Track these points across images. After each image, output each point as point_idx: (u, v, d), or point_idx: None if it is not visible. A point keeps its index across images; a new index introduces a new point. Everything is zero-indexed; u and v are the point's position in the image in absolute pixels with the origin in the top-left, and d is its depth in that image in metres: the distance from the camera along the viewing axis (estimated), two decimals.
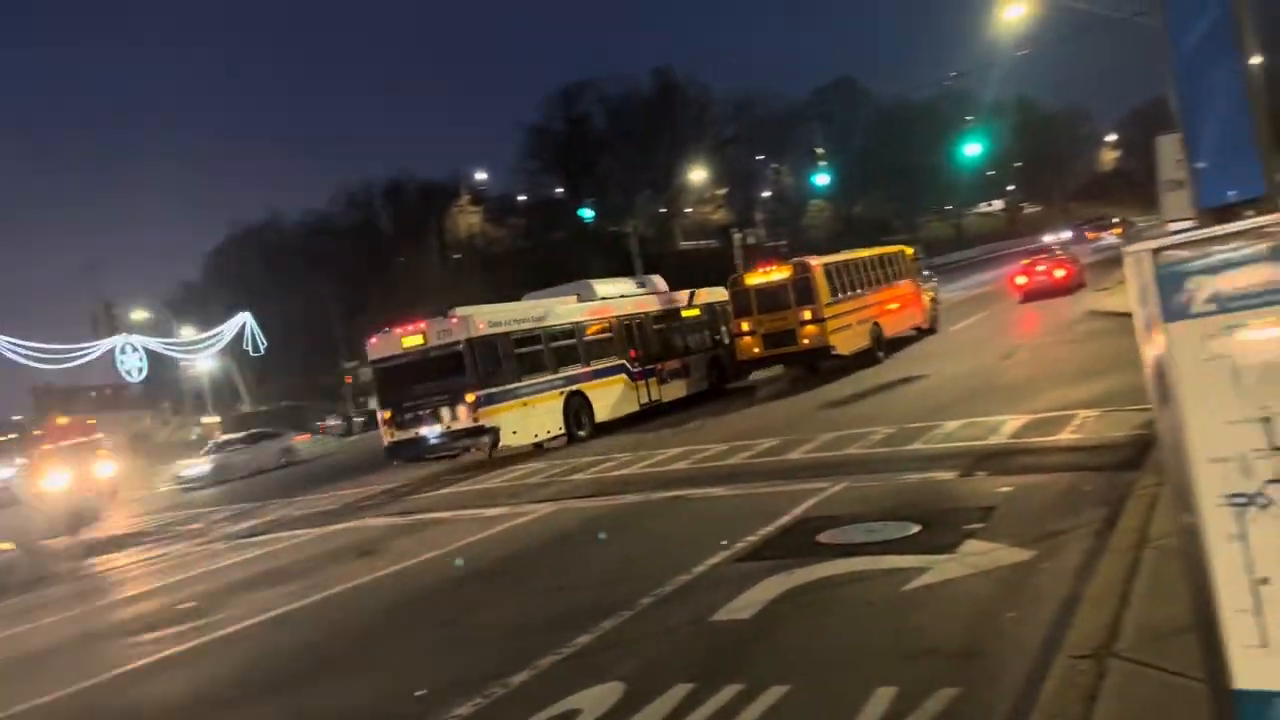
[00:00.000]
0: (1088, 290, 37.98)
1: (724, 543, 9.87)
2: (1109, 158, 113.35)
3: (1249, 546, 2.84)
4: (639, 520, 12.61)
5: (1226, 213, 2.95)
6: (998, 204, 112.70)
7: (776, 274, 25.46)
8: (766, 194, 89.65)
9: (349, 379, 54.96)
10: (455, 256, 72.63)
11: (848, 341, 25.43)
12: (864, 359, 25.88)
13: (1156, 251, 2.92)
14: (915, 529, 9.26)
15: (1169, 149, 9.15)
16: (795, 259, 26.52)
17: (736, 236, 56.53)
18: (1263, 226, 2.76)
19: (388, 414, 21.13)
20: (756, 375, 27.72)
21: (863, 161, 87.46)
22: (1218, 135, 3.07)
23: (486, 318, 21.02)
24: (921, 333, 31.25)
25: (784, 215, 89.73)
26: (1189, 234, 2.89)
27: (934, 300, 33.51)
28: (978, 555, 8.08)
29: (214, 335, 57.73)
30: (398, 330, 21.06)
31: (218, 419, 63.38)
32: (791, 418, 19.40)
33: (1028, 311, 34.29)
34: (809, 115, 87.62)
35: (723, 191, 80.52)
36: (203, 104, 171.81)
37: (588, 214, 64.57)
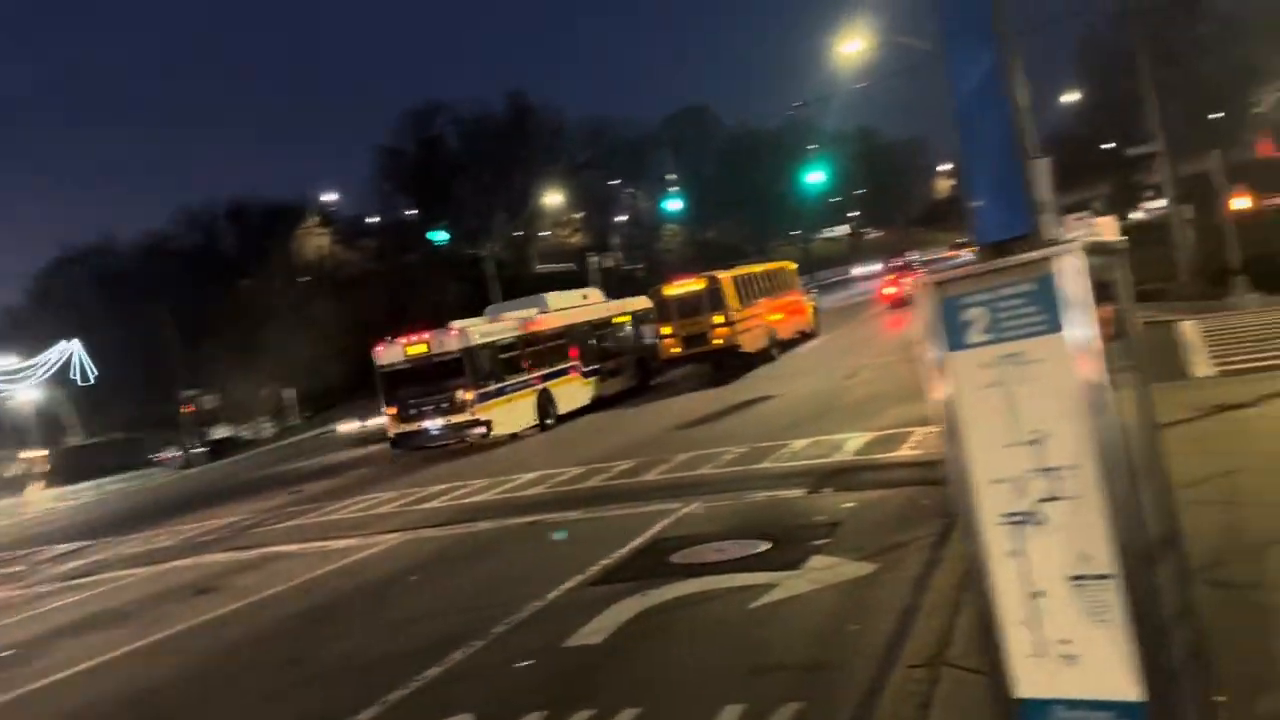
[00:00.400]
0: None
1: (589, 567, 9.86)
2: (944, 186, 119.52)
3: (1026, 562, 3.00)
4: (493, 547, 12.46)
5: (1001, 248, 3.17)
6: (842, 229, 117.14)
7: (692, 285, 29.37)
8: (622, 218, 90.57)
9: (189, 408, 52.32)
10: (303, 279, 70.27)
11: (751, 342, 29.48)
12: (763, 357, 29.80)
13: (939, 285, 3.10)
14: (764, 546, 9.48)
15: None
16: (707, 273, 30.08)
17: (593, 260, 56.84)
18: (1029, 262, 2.96)
19: (393, 410, 24.25)
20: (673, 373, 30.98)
21: (714, 187, 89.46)
22: (991, 175, 3.30)
23: (479, 330, 24.73)
24: (806, 336, 35.19)
25: (640, 239, 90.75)
26: (967, 269, 3.07)
27: (815, 309, 38.08)
28: (823, 570, 8.34)
29: (36, 364, 54.02)
30: (401, 341, 24.26)
31: (43, 452, 59.22)
32: (647, 439, 19.57)
33: (880, 327, 35.78)
34: (661, 142, 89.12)
35: (579, 215, 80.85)
36: (30, 119, 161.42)
37: (440, 237, 63.67)
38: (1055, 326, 2.91)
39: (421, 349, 23.81)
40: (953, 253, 72.65)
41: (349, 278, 69.09)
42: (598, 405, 28.01)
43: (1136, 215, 61.31)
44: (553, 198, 67.14)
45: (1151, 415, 3.21)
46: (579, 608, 8.43)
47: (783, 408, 20.28)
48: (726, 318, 28.37)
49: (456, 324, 24.54)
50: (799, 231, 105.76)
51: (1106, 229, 17.84)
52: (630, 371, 30.37)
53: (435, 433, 23.81)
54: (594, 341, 29.01)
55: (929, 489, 10.78)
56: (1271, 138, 27.57)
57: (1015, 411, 2.99)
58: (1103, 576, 2.88)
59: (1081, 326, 2.88)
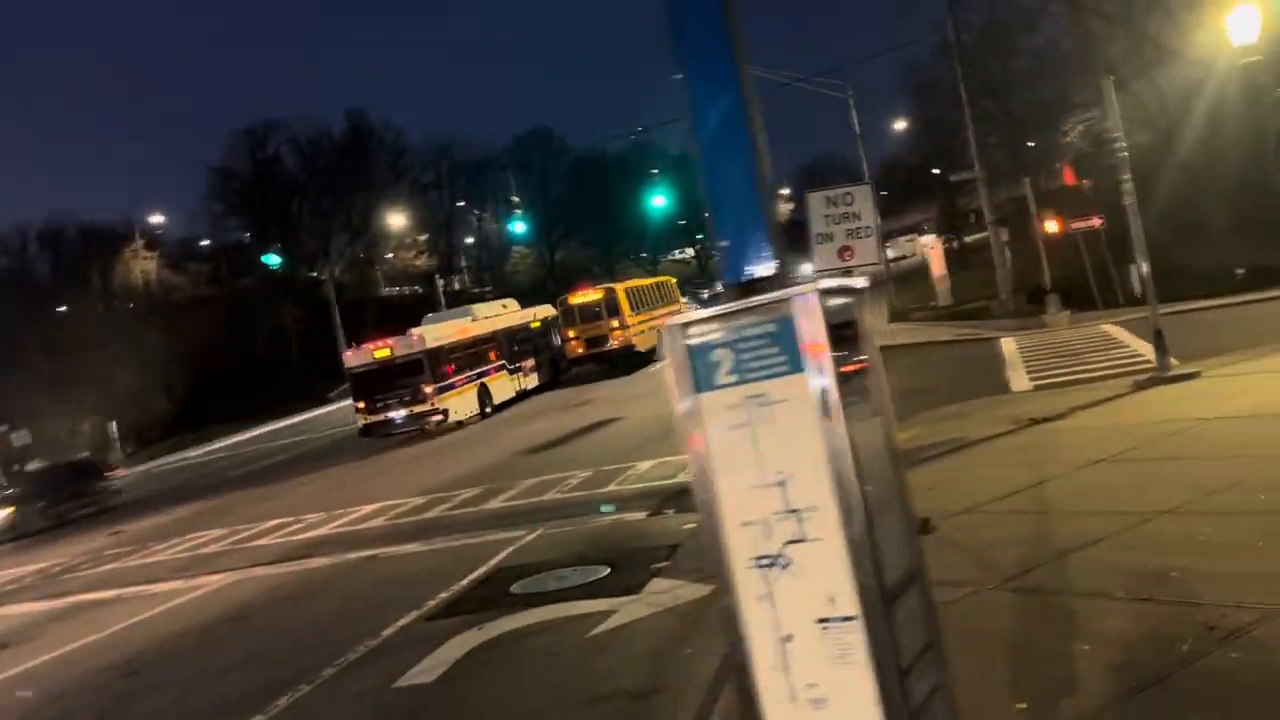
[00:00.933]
0: None
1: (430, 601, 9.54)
2: (782, 210, 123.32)
3: (775, 606, 3.00)
4: (327, 585, 11.93)
5: (748, 288, 3.18)
6: (690, 251, 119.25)
7: (593, 295, 35.34)
8: (470, 240, 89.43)
9: None
10: (128, 305, 66.26)
11: (643, 342, 34.50)
12: (651, 356, 33.96)
13: (686, 326, 3.07)
14: (604, 572, 9.41)
15: (817, 205, 10.04)
16: (605, 284, 36.56)
17: (440, 283, 55.90)
18: (769, 303, 2.97)
19: (362, 404, 28.43)
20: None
21: (562, 209, 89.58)
22: (735, 215, 3.29)
23: (432, 334, 29.29)
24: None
25: (488, 261, 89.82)
26: (713, 310, 3.06)
27: None
28: (661, 594, 8.32)
29: None
30: (369, 346, 28.87)
31: None
32: (493, 465, 19.24)
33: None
34: (507, 163, 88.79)
35: (424, 238, 79.37)
36: None
37: (274, 260, 61.28)
38: (796, 367, 2.92)
39: (386, 352, 28.28)
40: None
41: (179, 303, 65.60)
42: (520, 398, 32.72)
43: (964, 238, 64.85)
44: (396, 219, 65.70)
45: (895, 452, 3.24)
46: (413, 645, 8.13)
47: (631, 429, 20.34)
48: (621, 322, 34.15)
49: (415, 331, 29.59)
50: (646, 254, 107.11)
51: (932, 250, 18.77)
52: (545, 369, 35.16)
53: (400, 421, 28.10)
54: (514, 344, 33.61)
55: None
56: (1072, 166, 29.72)
57: (761, 453, 2.99)
58: (846, 618, 2.89)
59: (818, 367, 2.90)
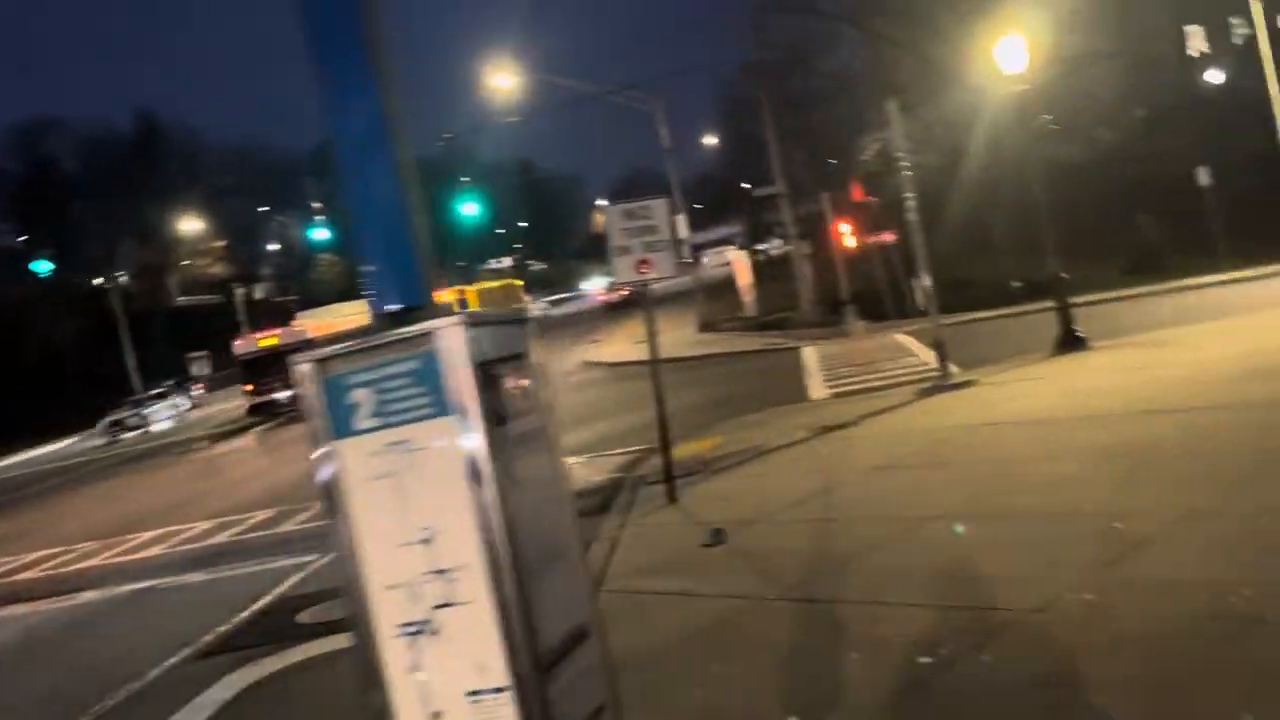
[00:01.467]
0: (581, 342, 41.14)
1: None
2: (601, 220, 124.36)
3: (424, 678, 2.75)
4: (94, 623, 10.95)
5: (396, 319, 2.88)
6: (507, 260, 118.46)
7: (450, 295, 40.74)
8: (273, 247, 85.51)
9: None
10: None
11: None
12: None
13: (321, 362, 2.77)
14: None
15: (615, 218, 10.02)
16: (457, 287, 39.83)
17: (240, 292, 53.11)
18: (410, 337, 2.70)
19: (251, 386, 33.28)
20: None
21: None
22: (384, 237, 2.99)
23: (313, 325, 33.63)
24: None
25: (292, 269, 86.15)
26: (353, 344, 2.77)
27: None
28: None
29: None
30: (256, 335, 34.35)
31: None
32: (295, 479, 18.30)
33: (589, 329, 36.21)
34: (311, 168, 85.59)
35: (221, 244, 75.26)
36: None
37: (44, 267, 56.56)
38: (441, 409, 2.65)
39: (273, 340, 33.16)
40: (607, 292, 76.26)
41: None
42: None
43: (770, 250, 67.19)
44: (190, 225, 61.97)
45: (565, 498, 3.03)
46: (180, 686, 7.52)
47: None
48: None
49: (297, 322, 35.11)
50: (462, 263, 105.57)
51: (739, 263, 19.11)
52: None
53: (284, 401, 31.83)
54: None
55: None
56: (861, 183, 31.43)
57: (406, 506, 2.71)
58: (497, 690, 2.65)
59: (464, 409, 2.63)
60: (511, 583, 2.63)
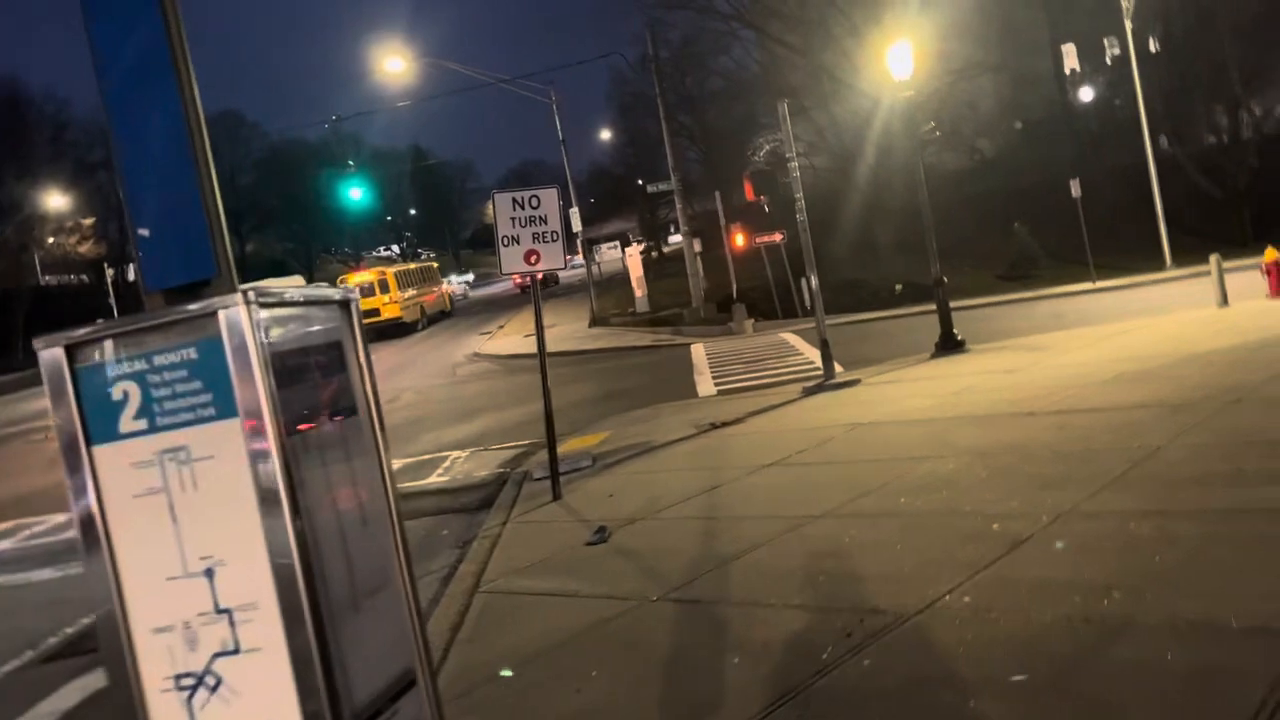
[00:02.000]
0: (473, 333, 40.53)
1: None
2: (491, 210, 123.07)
3: None
4: None
5: (176, 297, 2.36)
6: (396, 248, 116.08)
7: (370, 276, 44.68)
8: (144, 231, 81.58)
9: None
10: None
11: (410, 315, 45.03)
12: (415, 326, 45.15)
13: (74, 348, 2.21)
14: None
15: (504, 206, 9.75)
16: (378, 268, 48.13)
17: (110, 272, 50.53)
18: (193, 318, 2.17)
19: None
20: None
21: (254, 199, 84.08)
22: (161, 196, 2.43)
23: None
24: (445, 314, 51.54)
25: None
26: (114, 324, 2.22)
27: (451, 296, 56.19)
28: None
29: None
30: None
31: None
32: None
33: (422, 351, 35.47)
34: None
35: (89, 222, 71.45)
36: None
37: None
38: (227, 410, 2.15)
39: None
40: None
41: None
42: None
43: (664, 247, 67.47)
44: (56, 200, 58.64)
45: (391, 514, 2.55)
46: (20, 694, 6.97)
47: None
48: (392, 298, 43.57)
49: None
50: (350, 249, 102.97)
51: (631, 258, 18.93)
52: None
53: None
54: None
55: (451, 517, 10.59)
56: (751, 182, 31.84)
57: (182, 530, 2.19)
58: None
59: (255, 410, 2.13)
60: (313, 624, 2.14)
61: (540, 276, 10.15)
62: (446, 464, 13.84)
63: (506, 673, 5.09)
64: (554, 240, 9.68)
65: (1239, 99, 41.19)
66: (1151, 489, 6.07)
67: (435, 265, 57.41)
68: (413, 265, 54.06)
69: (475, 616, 6.37)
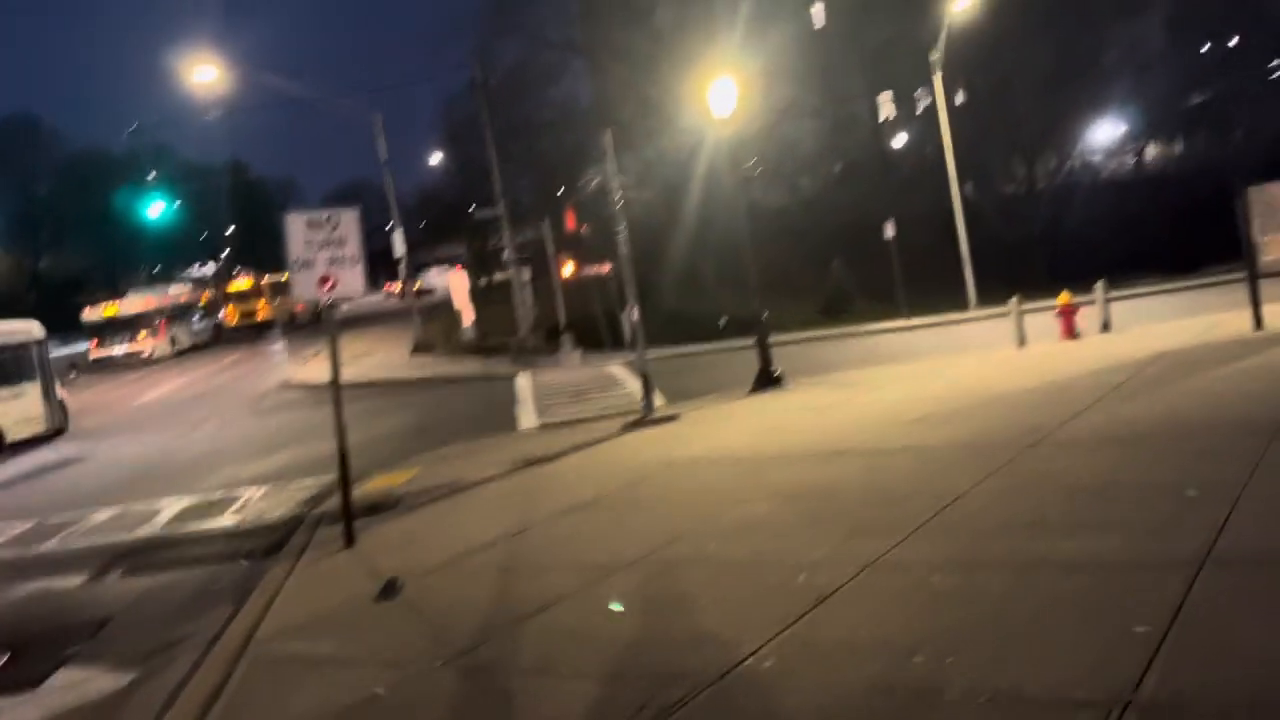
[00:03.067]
0: (290, 360, 38.49)
1: None
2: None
3: None
4: None
5: None
6: (211, 266, 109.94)
7: (246, 284, 57.64)
8: None
9: None
10: None
11: (280, 318, 55.32)
12: (286, 328, 53.63)
13: None
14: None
15: (298, 228, 9.00)
16: (256, 276, 59.56)
17: None
18: None
19: (96, 341, 43.85)
20: None
21: (52, 210, 78.01)
22: None
23: (141, 300, 45.50)
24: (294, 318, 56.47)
25: None
26: None
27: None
28: (66, 688, 6.70)
29: None
30: (102, 305, 44.80)
31: None
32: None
33: (232, 379, 33.37)
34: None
35: None
36: None
37: None
38: None
39: (114, 309, 43.79)
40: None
41: None
42: (195, 349, 47.51)
43: (494, 275, 66.39)
44: None
45: None
46: None
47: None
48: (266, 303, 55.55)
49: (132, 296, 46.42)
50: (159, 267, 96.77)
51: (458, 286, 18.14)
52: (211, 331, 51.81)
53: (119, 356, 42.79)
54: (190, 312, 49.87)
55: (232, 565, 9.65)
56: (575, 212, 31.69)
57: None
58: None
59: None
60: None
61: (327, 303, 9.42)
62: (240, 503, 12.82)
63: None
64: (353, 264, 9.00)
65: (1033, 151, 44.27)
66: (957, 538, 5.98)
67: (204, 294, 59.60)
68: (284, 276, 62.18)
69: (235, 689, 5.62)
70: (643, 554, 6.81)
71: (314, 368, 34.48)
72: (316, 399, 27.21)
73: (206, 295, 56.62)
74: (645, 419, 13.91)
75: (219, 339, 52.62)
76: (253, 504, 12.89)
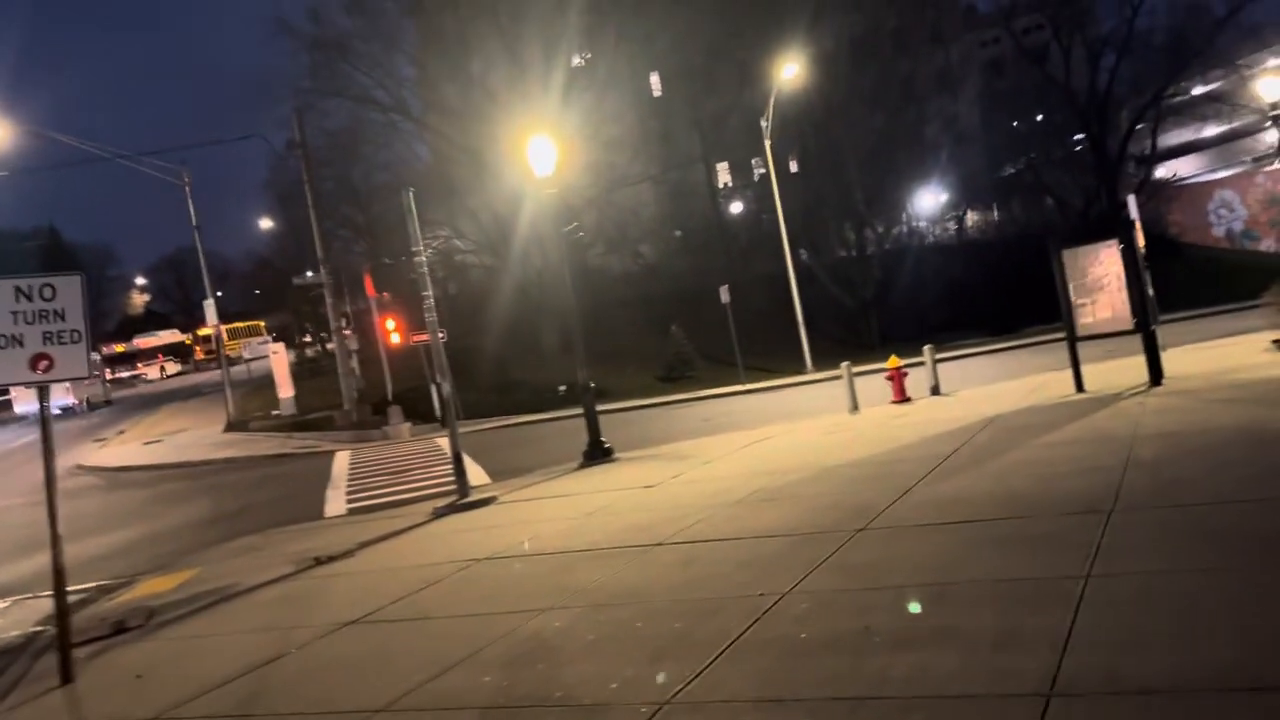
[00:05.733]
0: (88, 440, 35.32)
1: None
2: (139, 300, 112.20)
3: None
4: None
5: None
6: None
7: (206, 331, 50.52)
8: None
9: None
10: None
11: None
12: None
13: None
14: None
15: (2, 297, 7.46)
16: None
17: None
18: None
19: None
20: None
21: None
22: None
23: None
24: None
25: None
26: None
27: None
28: None
29: None
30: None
31: None
32: None
33: (18, 463, 30.12)
34: None
35: None
36: None
37: None
38: None
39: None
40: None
41: None
42: None
43: (326, 344, 63.54)
44: None
45: None
46: None
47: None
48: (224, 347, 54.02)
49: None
50: None
51: (275, 356, 16.26)
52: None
53: None
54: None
55: None
56: (372, 276, 30.28)
57: None
58: None
59: None
60: None
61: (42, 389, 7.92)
62: None
63: None
64: (74, 341, 7.52)
65: (863, 217, 45.58)
66: (771, 661, 5.02)
67: (262, 325, 63.91)
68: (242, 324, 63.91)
69: None
70: (402, 692, 5.60)
71: (113, 449, 31.51)
72: (111, 484, 24.64)
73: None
74: (458, 504, 12.64)
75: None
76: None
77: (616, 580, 7.34)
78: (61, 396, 50.68)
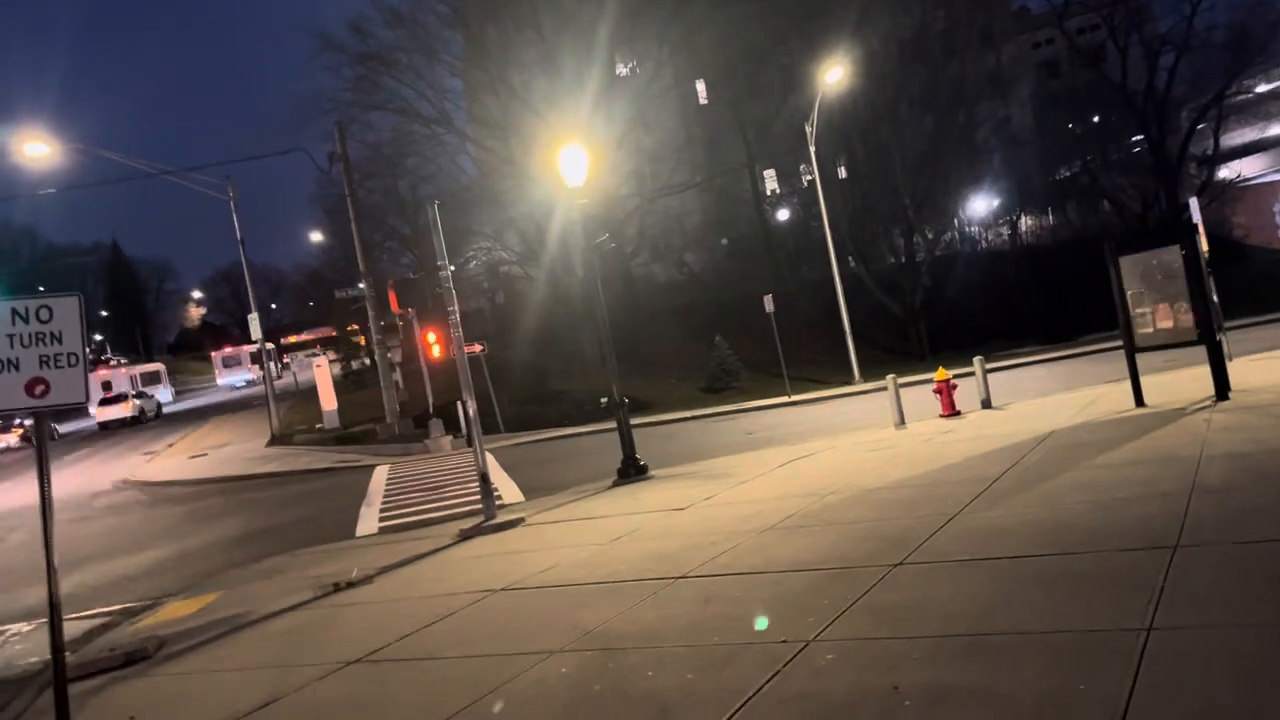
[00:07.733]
0: (136, 453, 35.69)
1: None
2: (195, 313, 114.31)
3: None
4: None
5: None
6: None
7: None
8: None
9: None
10: None
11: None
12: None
13: None
14: None
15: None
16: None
17: None
18: None
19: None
20: None
21: None
22: None
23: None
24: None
25: None
26: None
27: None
28: None
29: None
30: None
31: None
32: None
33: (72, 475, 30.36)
34: None
35: None
36: None
37: None
38: None
39: None
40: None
41: None
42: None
43: (370, 357, 63.89)
44: None
45: None
46: None
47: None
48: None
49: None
50: None
51: (319, 369, 15.97)
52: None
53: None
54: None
55: None
56: (395, 290, 30.10)
57: None
58: None
59: None
60: None
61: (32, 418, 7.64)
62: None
63: None
64: (72, 365, 7.24)
65: (912, 223, 44.60)
66: None
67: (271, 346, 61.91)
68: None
69: None
70: None
71: (160, 463, 31.74)
72: (154, 499, 24.69)
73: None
74: (483, 526, 12.24)
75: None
76: (12, 645, 10.79)
77: (628, 621, 6.85)
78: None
